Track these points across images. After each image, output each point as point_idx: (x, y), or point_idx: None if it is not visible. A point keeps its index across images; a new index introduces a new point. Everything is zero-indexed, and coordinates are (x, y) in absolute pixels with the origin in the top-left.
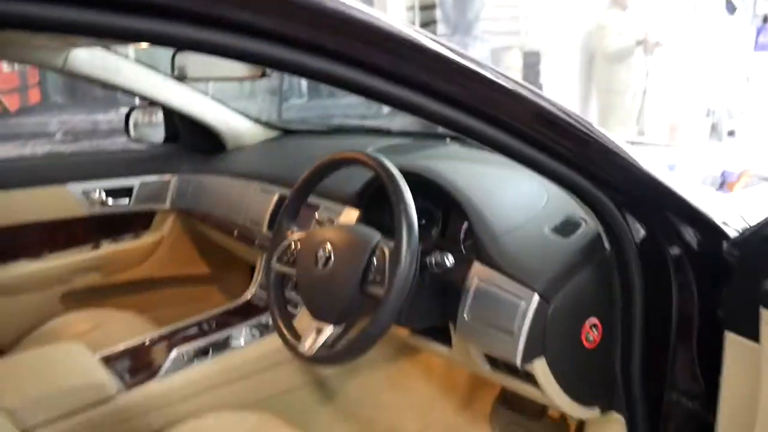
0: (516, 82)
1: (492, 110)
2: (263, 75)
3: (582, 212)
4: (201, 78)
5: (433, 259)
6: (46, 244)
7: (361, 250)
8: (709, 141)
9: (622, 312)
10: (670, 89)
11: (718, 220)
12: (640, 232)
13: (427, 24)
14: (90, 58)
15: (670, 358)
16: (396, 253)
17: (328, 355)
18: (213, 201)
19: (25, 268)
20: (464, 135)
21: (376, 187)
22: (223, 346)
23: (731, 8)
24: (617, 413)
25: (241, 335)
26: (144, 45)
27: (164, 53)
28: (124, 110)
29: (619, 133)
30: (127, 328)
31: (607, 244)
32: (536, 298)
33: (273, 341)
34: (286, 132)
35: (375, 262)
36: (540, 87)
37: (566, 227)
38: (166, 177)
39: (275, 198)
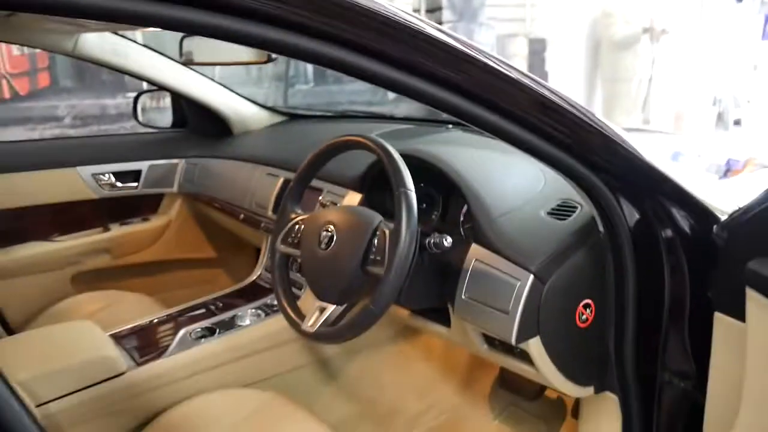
0: (518, 71)
1: (494, 97)
2: (269, 60)
3: (577, 196)
4: (207, 63)
5: (432, 240)
6: (56, 227)
7: (362, 230)
8: (715, 130)
9: (615, 293)
10: (676, 77)
11: (709, 204)
12: (633, 215)
13: (433, 10)
14: (100, 43)
15: (662, 339)
16: (396, 233)
17: (330, 333)
18: (219, 185)
19: (35, 249)
20: (467, 121)
21: (378, 170)
22: (229, 325)
23: None
24: (611, 393)
25: (246, 316)
26: (152, 29)
27: (170, 37)
28: (131, 95)
29: (624, 121)
30: (136, 309)
31: (601, 227)
32: (531, 278)
33: (278, 321)
34: (292, 117)
35: (376, 243)
36: (545, 74)
37: (562, 211)
38: (174, 161)
39: (280, 182)
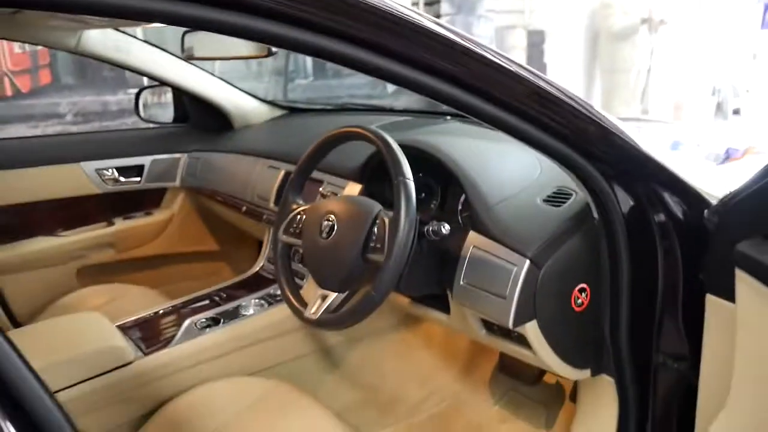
0: (516, 63)
1: (492, 89)
2: (269, 54)
3: (572, 184)
4: (208, 57)
5: (430, 228)
6: (61, 222)
7: (362, 219)
8: (714, 119)
9: (609, 278)
10: (675, 68)
11: (701, 190)
12: (627, 202)
13: (431, 3)
14: (102, 39)
15: (656, 322)
16: (395, 221)
17: (332, 319)
18: (221, 178)
19: (41, 244)
20: (466, 112)
21: (378, 161)
22: (233, 315)
23: None
24: (607, 376)
25: (250, 306)
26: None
27: (171, 32)
28: (132, 91)
29: (623, 111)
30: (141, 302)
31: (595, 214)
32: (528, 263)
33: (281, 311)
34: (292, 111)
35: (376, 231)
36: (544, 66)
37: (557, 198)
38: (176, 155)
39: (282, 174)
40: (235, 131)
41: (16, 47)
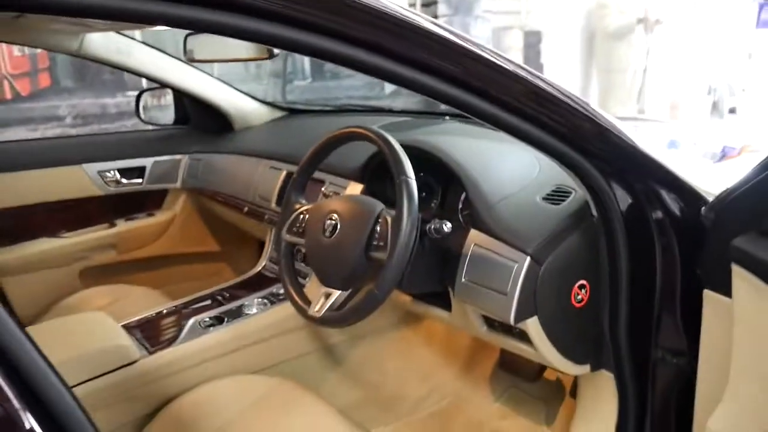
0: (514, 63)
1: (491, 89)
2: (271, 56)
3: (571, 182)
4: (210, 60)
5: (432, 226)
6: (64, 223)
7: (365, 218)
8: (710, 118)
9: (608, 274)
10: (670, 67)
11: (698, 187)
12: (625, 199)
13: (429, 4)
14: (104, 42)
15: (654, 317)
16: (398, 220)
17: (335, 317)
18: (223, 179)
19: (44, 246)
20: (465, 112)
21: (378, 161)
22: (236, 314)
23: None
24: (607, 371)
25: (253, 305)
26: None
27: (169, 34)
28: (131, 94)
29: (619, 111)
30: (143, 302)
31: (594, 211)
32: (528, 260)
33: (284, 309)
34: (292, 112)
35: (378, 230)
36: (541, 66)
37: (557, 196)
38: (177, 157)
39: (283, 175)
40: (235, 133)
41: (16, 50)
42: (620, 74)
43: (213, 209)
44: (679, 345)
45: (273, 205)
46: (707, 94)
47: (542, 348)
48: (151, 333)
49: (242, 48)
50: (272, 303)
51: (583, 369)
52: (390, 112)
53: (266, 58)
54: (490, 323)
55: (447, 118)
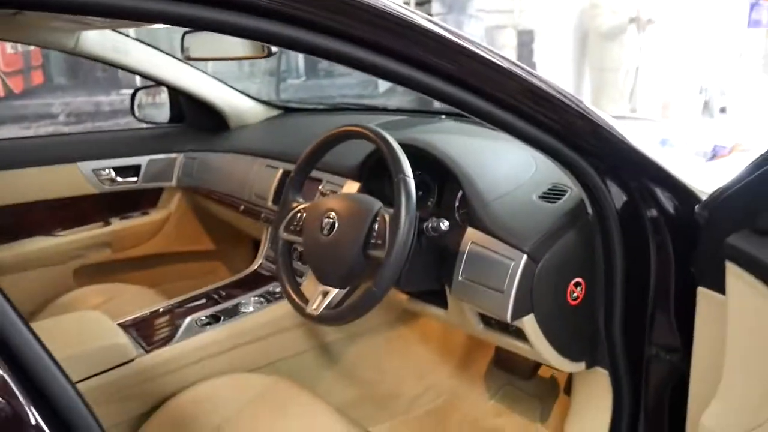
0: (509, 61)
1: (486, 86)
2: (269, 54)
3: (567, 180)
4: (207, 58)
5: (429, 224)
6: (58, 222)
7: (363, 216)
8: (701, 118)
9: (604, 271)
10: (662, 67)
11: (692, 186)
12: (620, 197)
13: (422, 3)
14: (100, 40)
15: (649, 315)
16: (396, 218)
17: (333, 315)
18: (218, 178)
19: (38, 244)
20: (461, 109)
21: (376, 160)
22: (233, 313)
23: None
24: (601, 368)
25: (250, 303)
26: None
27: (163, 32)
28: (125, 92)
29: (611, 109)
30: (138, 301)
31: (589, 209)
32: (525, 258)
33: (280, 308)
34: (287, 110)
35: (376, 228)
36: (534, 65)
37: (553, 194)
38: (173, 155)
39: (279, 173)
40: (231, 131)
41: (9, 48)
42: (612, 73)
43: (208, 208)
44: (673, 342)
45: (269, 203)
46: (698, 94)
47: (538, 345)
48: (147, 332)
49: (239, 46)
50: (268, 301)
51: (579, 366)
52: (385, 110)
53: (263, 57)
54: (487, 321)
55: (443, 116)
